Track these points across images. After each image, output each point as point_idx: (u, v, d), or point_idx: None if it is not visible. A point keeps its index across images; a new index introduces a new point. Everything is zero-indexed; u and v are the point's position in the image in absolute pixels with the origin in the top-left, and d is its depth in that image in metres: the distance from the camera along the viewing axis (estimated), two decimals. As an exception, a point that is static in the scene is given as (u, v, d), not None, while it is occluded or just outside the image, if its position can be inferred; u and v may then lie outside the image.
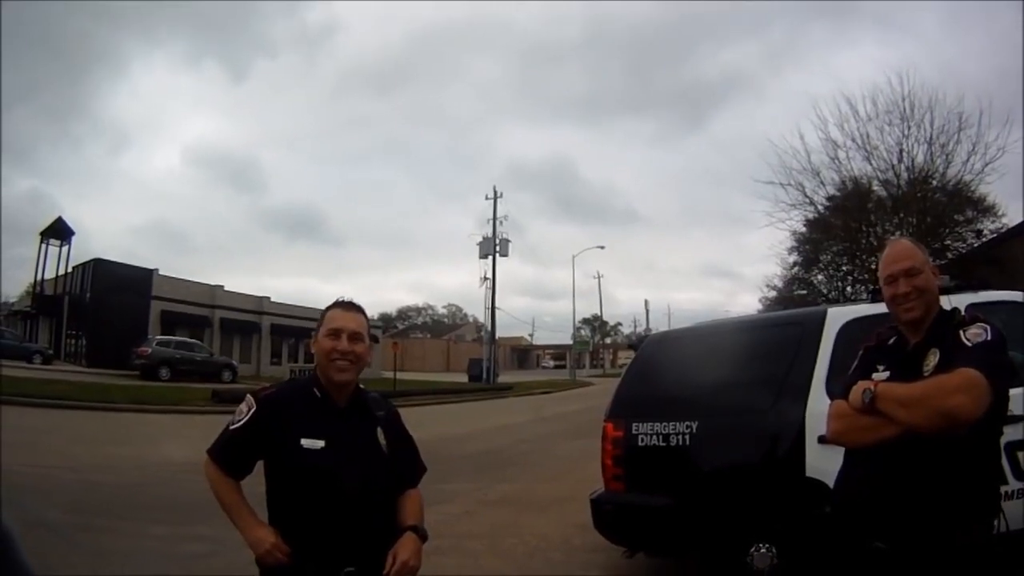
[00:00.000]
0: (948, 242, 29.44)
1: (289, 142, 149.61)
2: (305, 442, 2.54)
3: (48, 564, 5.92)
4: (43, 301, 45.26)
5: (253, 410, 2.61)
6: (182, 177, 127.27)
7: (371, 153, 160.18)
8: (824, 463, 4.19)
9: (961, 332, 2.52)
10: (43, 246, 44.76)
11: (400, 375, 40.45)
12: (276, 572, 2.50)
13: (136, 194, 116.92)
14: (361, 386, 2.80)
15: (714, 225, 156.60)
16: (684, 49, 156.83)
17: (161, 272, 45.62)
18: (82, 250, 47.02)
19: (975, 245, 28.97)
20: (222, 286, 49.78)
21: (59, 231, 44.91)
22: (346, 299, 2.80)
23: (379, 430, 2.72)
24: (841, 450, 2.81)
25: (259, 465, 2.65)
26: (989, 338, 2.48)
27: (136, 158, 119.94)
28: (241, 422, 2.61)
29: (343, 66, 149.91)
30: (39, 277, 45.58)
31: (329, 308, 2.76)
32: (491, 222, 56.32)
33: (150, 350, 35.07)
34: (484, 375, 52.86)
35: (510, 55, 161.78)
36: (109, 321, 40.05)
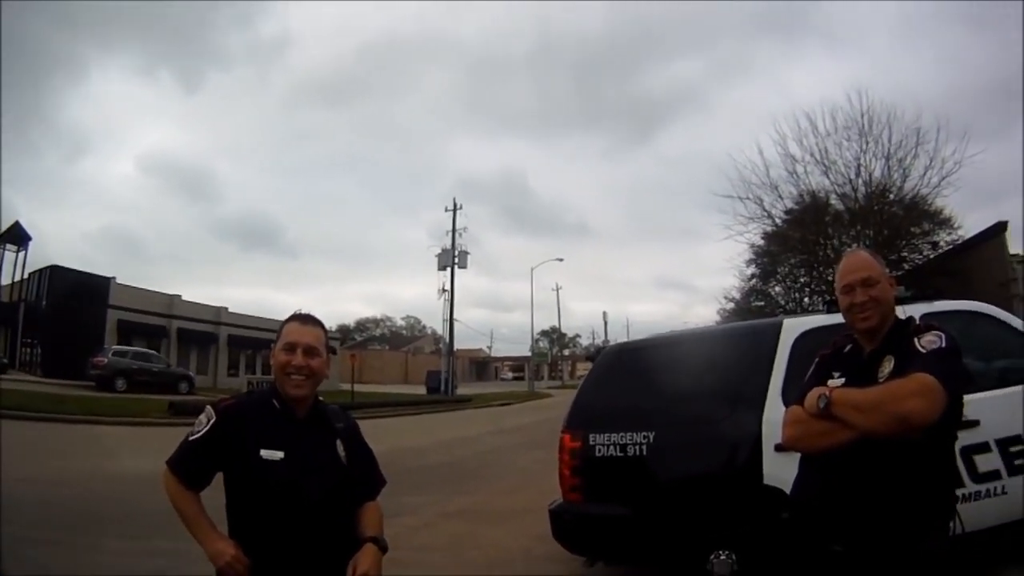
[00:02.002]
0: (904, 254, 30.15)
1: (243, 153, 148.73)
2: (264, 453, 2.53)
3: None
4: None
5: (213, 421, 2.59)
6: (138, 185, 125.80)
7: (324, 165, 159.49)
8: (781, 471, 4.24)
9: (916, 339, 2.56)
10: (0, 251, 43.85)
11: (358, 387, 40.31)
12: None
13: (93, 201, 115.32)
14: (320, 398, 2.80)
15: (667, 238, 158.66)
16: (631, 65, 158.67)
17: (118, 280, 44.70)
18: (39, 256, 46.09)
19: (931, 256, 29.64)
20: (180, 296, 48.75)
21: (16, 236, 43.82)
22: (303, 312, 2.80)
23: (338, 442, 2.72)
24: (798, 458, 2.84)
25: (218, 477, 2.63)
26: (943, 345, 2.52)
27: (92, 165, 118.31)
28: (200, 433, 2.59)
29: (296, 79, 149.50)
30: None
31: (286, 322, 2.76)
32: (449, 234, 56.21)
33: (106, 360, 34.31)
34: (443, 387, 52.67)
35: (459, 69, 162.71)
36: (65, 329, 39.07)
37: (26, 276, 43.54)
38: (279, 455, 2.54)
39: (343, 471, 2.68)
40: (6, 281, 43.80)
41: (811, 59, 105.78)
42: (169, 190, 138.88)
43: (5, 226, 43.81)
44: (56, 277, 41.72)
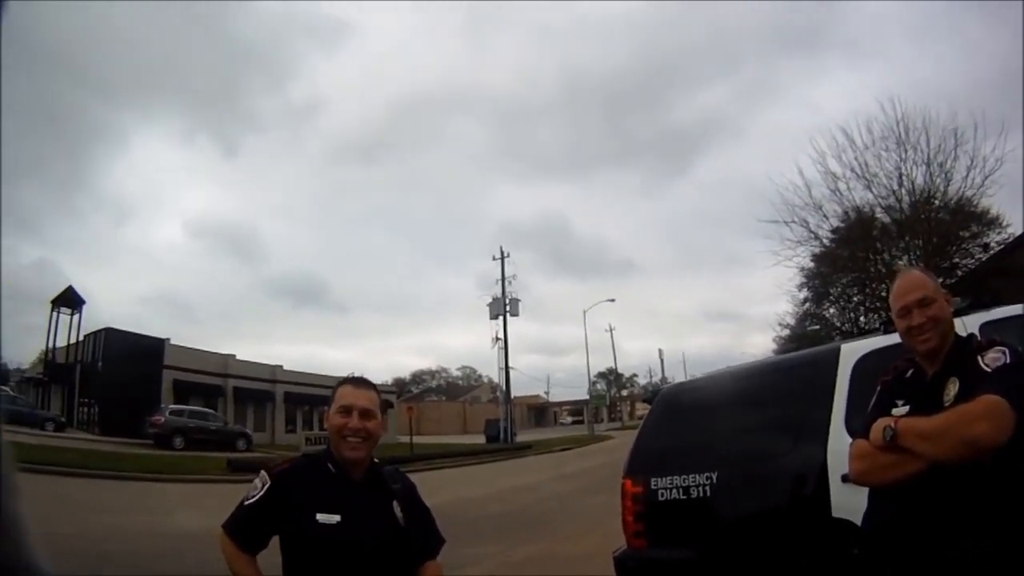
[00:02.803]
0: (956, 260, 29.40)
1: (286, 212, 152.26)
2: (321, 517, 2.55)
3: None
4: (55, 369, 45.37)
5: (268, 485, 2.62)
6: (185, 248, 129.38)
7: (367, 220, 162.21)
8: (851, 502, 4.08)
9: (979, 358, 2.48)
10: (54, 314, 45.04)
11: (417, 439, 40.29)
12: None
13: (142, 265, 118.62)
14: (376, 460, 2.82)
15: (713, 269, 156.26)
16: (658, 98, 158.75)
17: (173, 342, 45.71)
18: (93, 320, 47.33)
19: (983, 259, 28.81)
20: (234, 355, 49.84)
21: (70, 300, 45.21)
22: (356, 375, 2.83)
23: (395, 503, 2.73)
24: (866, 488, 2.74)
25: (275, 539, 2.64)
26: (1008, 361, 2.43)
27: (139, 230, 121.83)
28: (256, 497, 2.62)
29: (330, 138, 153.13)
30: (50, 345, 45.77)
31: (340, 384, 2.79)
32: (498, 282, 56.49)
33: (164, 419, 35.08)
34: (502, 435, 52.63)
35: (489, 117, 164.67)
36: (121, 389, 40.09)
37: (81, 338, 44.74)
38: (336, 518, 2.55)
39: (401, 532, 2.68)
40: (61, 344, 45.06)
41: (835, 72, 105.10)
42: (217, 252, 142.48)
43: (58, 291, 45.16)
44: (111, 339, 43.10)
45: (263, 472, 2.69)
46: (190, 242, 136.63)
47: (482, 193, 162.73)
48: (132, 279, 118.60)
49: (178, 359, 44.72)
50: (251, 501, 2.61)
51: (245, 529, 2.61)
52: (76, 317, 45.56)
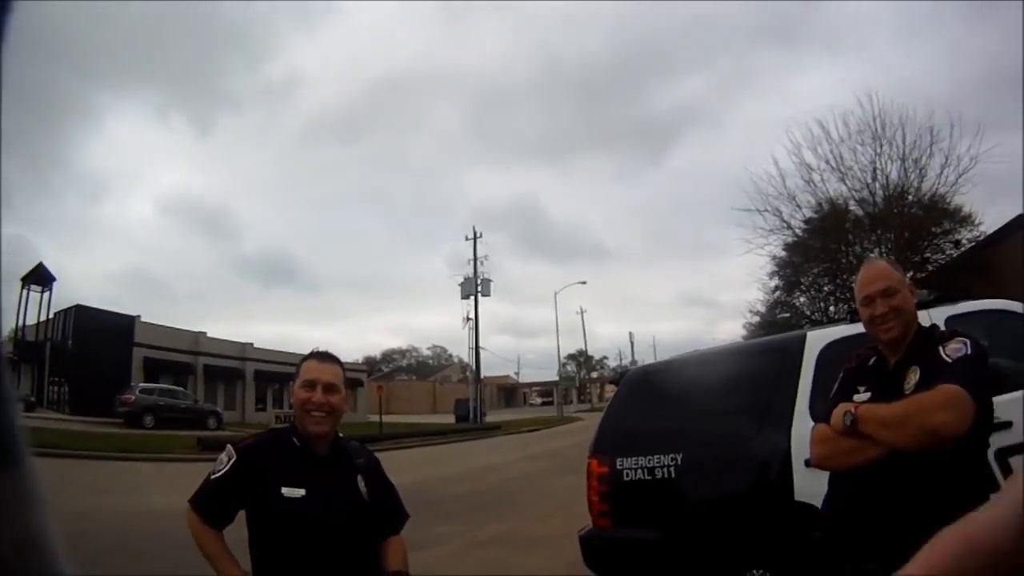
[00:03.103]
0: (928, 254, 29.75)
1: (260, 192, 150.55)
2: (285, 491, 2.55)
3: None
4: (24, 347, 44.63)
5: (233, 460, 2.62)
6: (158, 226, 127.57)
7: (340, 201, 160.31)
8: (813, 486, 4.14)
9: (940, 348, 2.51)
10: (24, 292, 44.27)
11: (386, 418, 40.22)
12: None
13: (114, 243, 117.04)
14: (340, 435, 2.83)
15: (687, 255, 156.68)
16: (634, 86, 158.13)
17: (143, 319, 45.20)
18: (63, 297, 46.71)
19: (954, 255, 29.19)
20: (205, 333, 49.25)
21: (40, 277, 44.46)
22: (321, 350, 2.82)
23: (359, 478, 2.74)
24: (828, 473, 2.78)
25: (241, 513, 2.64)
26: (969, 352, 2.47)
27: (113, 208, 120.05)
28: (221, 472, 2.61)
29: (306, 118, 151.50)
30: (20, 323, 45.12)
31: (305, 359, 2.79)
32: (470, 263, 56.37)
33: (134, 397, 34.79)
34: (471, 415, 52.57)
35: (465, 100, 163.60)
36: (92, 368, 39.51)
37: (51, 316, 44.16)
38: (300, 492, 2.56)
39: (364, 507, 2.70)
40: (31, 321, 44.53)
41: (814, 66, 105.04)
42: (189, 230, 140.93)
43: (29, 268, 44.54)
44: (81, 316, 42.39)
45: (229, 447, 2.69)
46: (163, 220, 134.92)
47: (456, 175, 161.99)
48: (104, 257, 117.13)
49: (148, 337, 44.17)
50: (217, 476, 2.62)
51: (211, 503, 2.61)
52: (46, 294, 44.84)
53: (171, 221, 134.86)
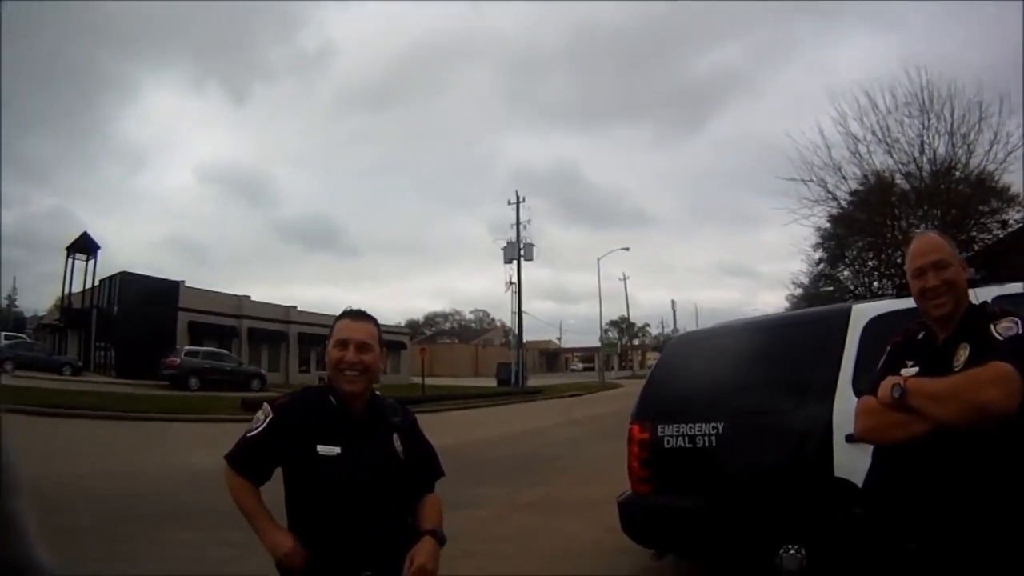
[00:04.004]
0: (974, 233, 28.85)
1: (298, 158, 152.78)
2: (321, 449, 2.57)
3: (77, 569, 6.03)
4: (71, 314, 45.78)
5: (270, 418, 2.65)
6: (198, 194, 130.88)
7: (379, 166, 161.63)
8: (853, 462, 4.12)
9: (992, 326, 2.46)
10: (69, 261, 45.37)
11: (429, 380, 40.55)
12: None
13: (155, 211, 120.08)
14: (377, 392, 2.83)
15: (727, 224, 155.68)
16: (671, 52, 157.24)
17: (187, 284, 46.00)
18: (108, 265, 47.77)
19: (1001, 235, 28.46)
20: (248, 296, 50.06)
21: (85, 246, 45.47)
22: (354, 308, 2.82)
23: (395, 436, 2.75)
24: (870, 449, 2.76)
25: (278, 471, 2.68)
26: (1021, 331, 2.41)
27: (152, 177, 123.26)
28: (258, 429, 2.64)
29: (341, 86, 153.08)
30: (66, 291, 46.12)
31: (338, 318, 2.79)
32: (512, 227, 56.27)
33: (179, 360, 35.46)
34: (513, 379, 52.83)
35: (501, 66, 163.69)
36: (137, 332, 40.40)
37: (96, 283, 45.08)
38: (336, 450, 2.57)
39: (400, 465, 2.71)
40: (77, 289, 45.47)
41: (855, 38, 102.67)
42: (229, 197, 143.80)
43: (73, 238, 45.44)
44: (126, 283, 43.29)
45: (265, 405, 2.72)
46: (202, 188, 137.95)
47: (494, 141, 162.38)
48: (146, 225, 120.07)
49: (193, 301, 44.92)
50: (253, 433, 2.64)
51: (248, 461, 2.65)
52: (91, 263, 45.84)
53: (211, 188, 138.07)
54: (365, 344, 2.68)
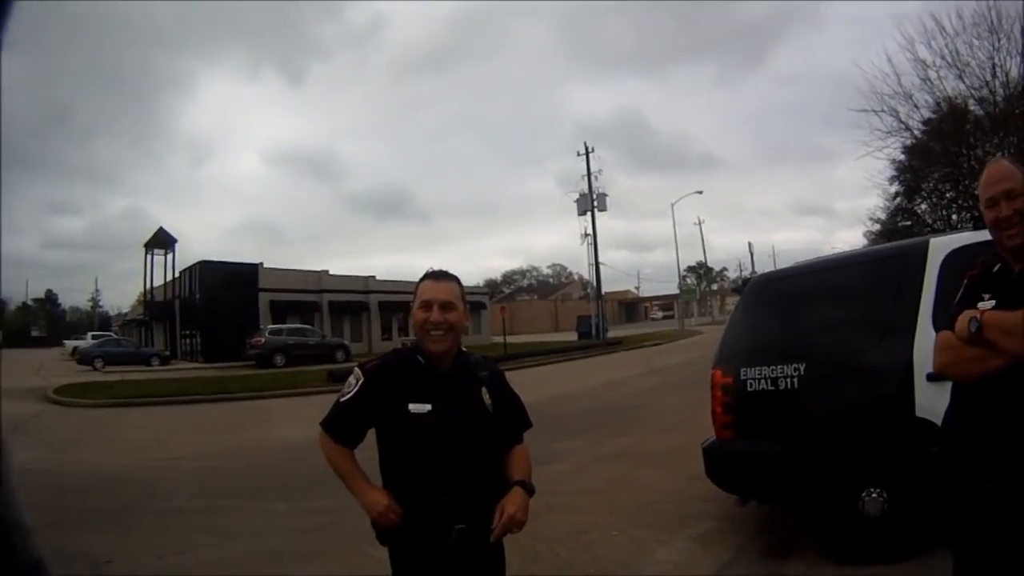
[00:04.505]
0: (1055, 160, 27.70)
1: (361, 131, 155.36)
2: (412, 407, 2.61)
3: (175, 546, 6.32)
4: (154, 307, 47.69)
5: (361, 382, 2.70)
6: (265, 177, 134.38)
7: (441, 130, 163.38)
8: (935, 402, 4.01)
9: None
10: (148, 256, 47.15)
11: (510, 339, 40.98)
12: (391, 533, 2.62)
13: (226, 199, 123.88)
14: (464, 349, 2.86)
15: (798, 161, 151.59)
16: None
17: (266, 265, 47.29)
18: (186, 256, 49.58)
19: (1081, 160, 27.14)
20: (327, 271, 51.33)
21: (162, 240, 47.15)
22: (436, 269, 2.85)
23: (484, 390, 2.77)
24: (951, 388, 2.70)
25: (371, 435, 2.74)
26: None
27: (219, 167, 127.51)
28: (350, 394, 2.70)
29: (395, 55, 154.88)
30: (148, 286, 47.74)
31: (421, 280, 2.81)
32: (583, 179, 55.78)
33: (263, 339, 36.55)
34: (593, 331, 52.83)
35: (553, 17, 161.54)
36: (220, 317, 41.86)
37: (177, 275, 46.60)
38: (427, 407, 2.62)
39: (489, 418, 2.74)
40: (159, 282, 47.05)
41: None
42: (297, 176, 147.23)
43: (149, 235, 46.92)
44: (206, 271, 44.99)
45: (356, 369, 2.78)
46: (269, 171, 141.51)
47: (555, 94, 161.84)
48: (219, 213, 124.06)
49: (272, 281, 46.18)
50: (346, 398, 2.71)
51: (342, 424, 2.71)
52: (170, 256, 47.81)
53: (278, 170, 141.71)
54: (448, 303, 2.72)
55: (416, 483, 2.61)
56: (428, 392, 2.65)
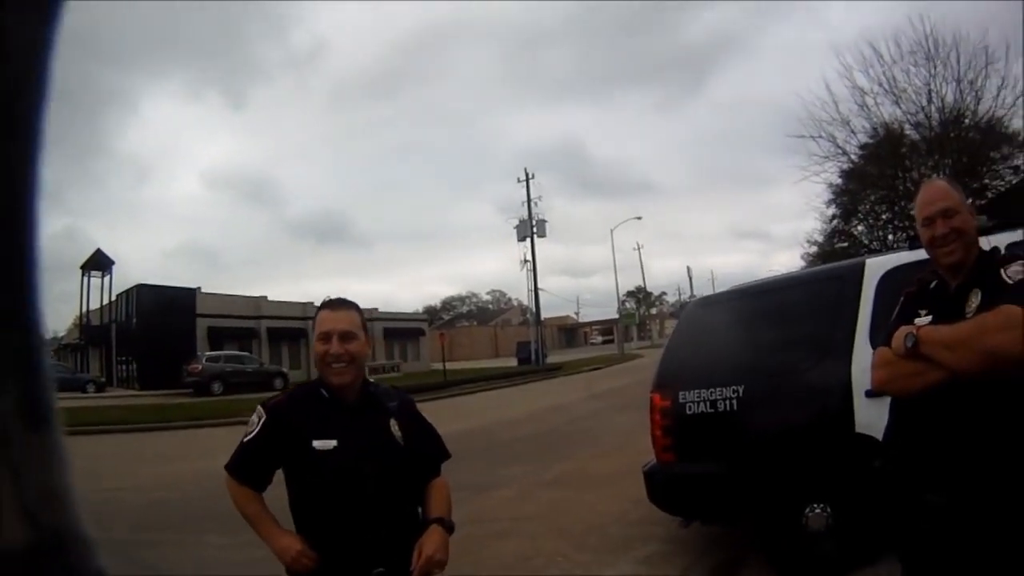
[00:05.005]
0: (987, 181, 28.63)
1: (300, 156, 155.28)
2: (317, 444, 2.51)
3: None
4: (91, 331, 46.10)
5: (263, 420, 2.59)
6: (205, 200, 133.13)
7: (381, 156, 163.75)
8: (874, 418, 4.10)
9: (1002, 271, 2.43)
10: (85, 279, 45.65)
11: (450, 365, 40.71)
12: None
13: (166, 221, 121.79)
14: (371, 380, 2.79)
15: (736, 187, 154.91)
16: (664, 18, 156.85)
17: (204, 290, 46.17)
18: (123, 279, 48.20)
19: (1014, 182, 28.23)
20: (265, 296, 50.18)
21: (99, 262, 45.76)
22: (333, 298, 2.74)
23: (392, 422, 2.66)
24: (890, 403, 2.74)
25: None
26: None
27: (159, 188, 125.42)
28: (253, 433, 2.59)
29: (337, 80, 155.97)
30: (84, 309, 46.45)
31: (319, 310, 2.71)
32: (524, 205, 56.10)
33: (201, 366, 35.65)
34: (533, 357, 52.83)
35: (496, 44, 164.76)
36: (157, 343, 40.47)
37: (114, 298, 45.42)
38: (332, 443, 2.51)
39: (400, 450, 2.63)
40: (95, 306, 45.84)
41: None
42: (237, 200, 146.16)
43: (86, 256, 45.82)
44: (143, 295, 43.36)
45: (259, 407, 2.67)
46: (209, 193, 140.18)
47: (495, 120, 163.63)
48: (158, 236, 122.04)
49: (210, 306, 45.04)
50: (249, 438, 2.60)
51: (246, 466, 2.61)
52: (107, 278, 46.09)
53: (218, 194, 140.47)
54: (348, 333, 2.60)
55: (328, 524, 2.51)
56: (333, 427, 2.55)
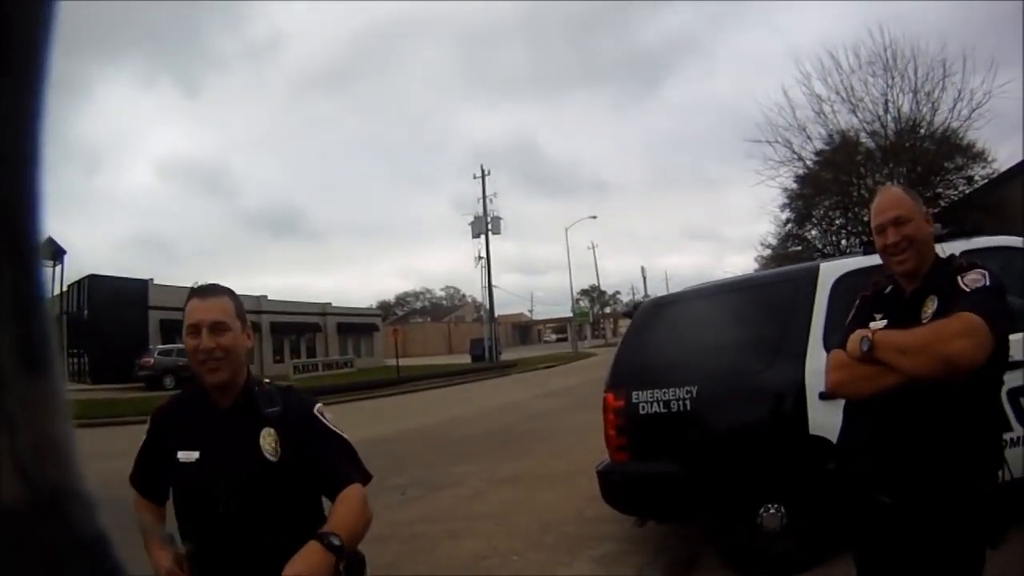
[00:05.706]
0: (940, 190, 29.32)
1: (255, 147, 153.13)
2: (181, 455, 2.26)
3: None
4: None
5: (148, 427, 2.41)
6: (159, 190, 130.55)
7: (336, 150, 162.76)
8: (827, 420, 4.17)
9: (959, 278, 2.47)
10: None
11: (403, 361, 40.50)
12: None
13: (118, 211, 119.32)
14: (265, 379, 2.49)
15: (690, 189, 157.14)
16: (621, 18, 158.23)
17: (156, 282, 45.34)
18: (75, 269, 47.21)
19: (967, 192, 28.87)
20: (218, 288, 49.47)
21: (51, 251, 44.66)
22: (202, 284, 2.39)
23: (267, 431, 2.27)
24: (843, 405, 2.78)
25: None
26: (988, 283, 2.42)
27: (112, 176, 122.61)
28: (142, 442, 2.41)
29: (294, 73, 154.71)
30: None
31: (187, 299, 2.32)
32: (479, 202, 55.96)
33: (153, 360, 35.22)
34: (487, 354, 52.79)
35: (451, 42, 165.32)
36: (109, 335, 39.72)
37: (65, 289, 44.43)
38: (194, 455, 2.26)
39: (267, 468, 2.24)
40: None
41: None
42: (191, 190, 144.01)
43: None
44: (94, 286, 42.43)
45: (153, 412, 2.46)
46: (163, 183, 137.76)
47: (451, 116, 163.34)
48: (110, 225, 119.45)
49: (163, 299, 44.07)
50: (140, 447, 2.41)
51: (140, 477, 2.42)
52: (58, 268, 45.11)
53: (172, 184, 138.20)
54: (219, 324, 2.25)
55: (198, 543, 2.24)
56: (200, 436, 2.27)
